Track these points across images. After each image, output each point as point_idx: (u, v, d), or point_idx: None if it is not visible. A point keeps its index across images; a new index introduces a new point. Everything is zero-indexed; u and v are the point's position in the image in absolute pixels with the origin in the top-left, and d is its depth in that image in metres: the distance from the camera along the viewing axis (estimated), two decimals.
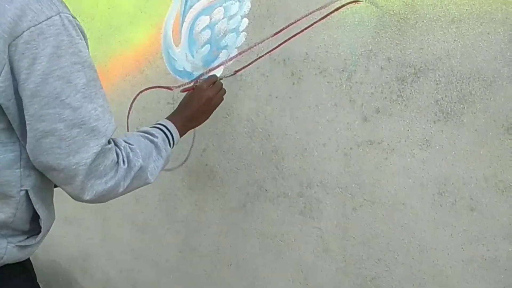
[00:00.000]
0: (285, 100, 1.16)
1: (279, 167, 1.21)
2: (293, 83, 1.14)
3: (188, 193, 1.42)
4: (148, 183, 0.84)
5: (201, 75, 1.32)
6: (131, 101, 1.51)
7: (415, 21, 0.95)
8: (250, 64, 1.21)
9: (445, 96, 0.93)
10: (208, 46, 1.29)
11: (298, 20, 1.11)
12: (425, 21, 0.94)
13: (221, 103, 1.14)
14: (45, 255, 1.93)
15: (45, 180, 0.78)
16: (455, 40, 0.91)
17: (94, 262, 1.78)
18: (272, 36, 1.16)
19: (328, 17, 1.06)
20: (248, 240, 1.30)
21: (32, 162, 0.72)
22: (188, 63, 1.34)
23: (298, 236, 1.20)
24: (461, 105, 0.92)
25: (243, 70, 1.23)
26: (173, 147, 0.94)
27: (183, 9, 1.32)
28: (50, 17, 0.65)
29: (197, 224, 1.42)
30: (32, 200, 0.77)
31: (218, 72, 1.28)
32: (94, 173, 0.72)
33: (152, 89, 1.45)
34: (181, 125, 0.96)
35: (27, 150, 0.71)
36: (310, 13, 1.09)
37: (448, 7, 0.91)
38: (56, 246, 1.89)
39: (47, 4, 0.66)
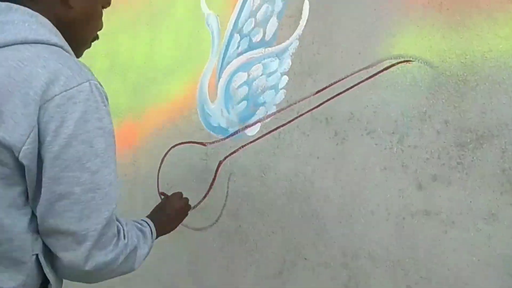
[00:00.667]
0: (328, 161, 1.09)
1: (320, 233, 1.11)
2: (337, 144, 1.07)
3: (219, 256, 1.33)
4: (131, 271, 0.82)
5: (236, 131, 1.26)
6: (163, 155, 1.46)
7: (475, 83, 0.87)
8: (289, 122, 1.15)
9: None
10: (245, 102, 1.24)
11: (343, 79, 1.05)
12: (487, 83, 0.86)
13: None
14: None
15: None
16: None
17: None
18: (313, 94, 1.10)
19: (376, 76, 1.00)
20: None
21: (39, 225, 0.71)
22: (224, 118, 1.29)
23: None
24: None
25: (281, 128, 1.17)
26: (153, 242, 0.92)
27: (220, 65, 1.29)
28: (80, 83, 0.67)
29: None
30: (42, 265, 0.74)
31: (255, 130, 1.22)
32: (99, 242, 0.71)
33: (184, 144, 1.40)
34: (157, 228, 0.94)
35: (37, 212, 0.71)
36: (357, 72, 1.03)
37: None
38: None
39: (78, 71, 0.68)
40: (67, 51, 0.72)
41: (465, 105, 0.89)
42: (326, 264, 1.11)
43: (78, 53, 0.82)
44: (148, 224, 0.90)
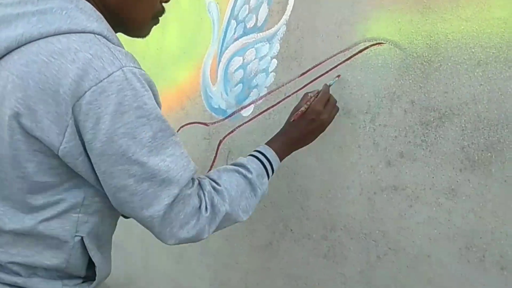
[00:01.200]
0: None
1: (304, 208, 1.19)
2: None
3: None
4: (240, 221, 0.81)
5: (234, 112, 1.35)
6: None
7: (439, 64, 0.90)
8: (278, 103, 1.22)
9: (472, 143, 0.87)
10: (240, 85, 1.33)
11: (323, 62, 1.11)
12: (449, 64, 0.89)
13: None
14: None
15: (104, 228, 0.78)
16: (481, 84, 0.85)
17: (136, 287, 1.85)
18: (299, 77, 1.17)
19: (352, 58, 1.05)
20: (274, 280, 1.28)
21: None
22: (223, 100, 1.39)
23: (322, 280, 1.16)
24: (489, 153, 0.85)
25: (271, 109, 1.24)
26: (271, 176, 0.89)
27: (219, 50, 1.38)
28: (111, 74, 0.62)
29: (226, 258, 1.42)
30: (87, 247, 0.74)
31: (249, 111, 1.31)
32: (174, 222, 0.70)
33: (190, 125, 1.52)
34: (285, 149, 0.91)
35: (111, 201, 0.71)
36: (335, 55, 1.08)
37: (473, 50, 0.86)
38: None
39: (109, 60, 0.63)
40: (106, 37, 0.67)
41: (429, 85, 0.92)
42: (309, 236, 1.19)
43: (141, 33, 0.78)
44: (261, 161, 0.86)
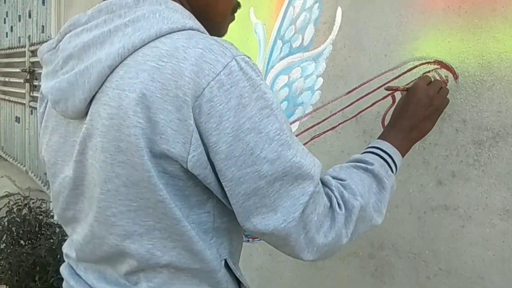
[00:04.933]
0: None
1: None
2: (365, 141, 1.14)
3: (263, 242, 1.46)
4: (376, 225, 0.70)
5: None
6: None
7: (492, 84, 0.90)
8: (323, 120, 1.24)
9: None
10: (286, 103, 1.36)
11: (370, 80, 1.12)
12: (502, 83, 0.88)
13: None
14: None
15: (236, 248, 0.72)
16: None
17: None
18: (345, 95, 1.18)
19: (401, 77, 1.06)
20: None
21: (243, 228, 0.63)
22: None
23: None
24: None
25: (316, 126, 1.26)
26: (396, 171, 0.76)
27: (265, 69, 1.42)
28: (226, 65, 0.57)
29: (270, 274, 1.44)
30: (232, 269, 0.68)
31: (294, 128, 1.33)
32: (309, 225, 0.61)
33: None
34: (401, 141, 0.77)
35: (237, 218, 0.62)
36: (383, 73, 1.09)
37: None
38: None
39: (220, 51, 0.58)
40: (203, 33, 0.63)
41: (482, 104, 0.92)
42: (355, 254, 1.18)
43: (221, 31, 0.75)
44: (379, 155, 0.75)
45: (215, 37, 0.61)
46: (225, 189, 0.61)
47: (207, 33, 0.64)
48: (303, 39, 1.30)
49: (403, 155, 0.78)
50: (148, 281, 0.66)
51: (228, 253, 0.68)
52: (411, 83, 0.88)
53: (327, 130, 1.23)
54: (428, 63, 1.00)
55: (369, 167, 0.72)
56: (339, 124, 1.20)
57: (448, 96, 0.94)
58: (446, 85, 0.95)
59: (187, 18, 0.63)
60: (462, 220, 0.96)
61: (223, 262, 0.67)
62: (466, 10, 0.93)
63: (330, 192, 0.65)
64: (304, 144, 1.29)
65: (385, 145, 0.76)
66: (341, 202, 0.65)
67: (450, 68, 0.96)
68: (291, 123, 1.34)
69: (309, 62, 1.28)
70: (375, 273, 1.14)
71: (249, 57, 0.61)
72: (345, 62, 1.18)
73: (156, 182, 0.59)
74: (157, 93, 0.57)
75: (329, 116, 1.23)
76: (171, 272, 0.65)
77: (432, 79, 0.90)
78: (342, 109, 1.19)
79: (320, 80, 1.25)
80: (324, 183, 0.66)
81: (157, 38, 0.59)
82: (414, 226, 1.04)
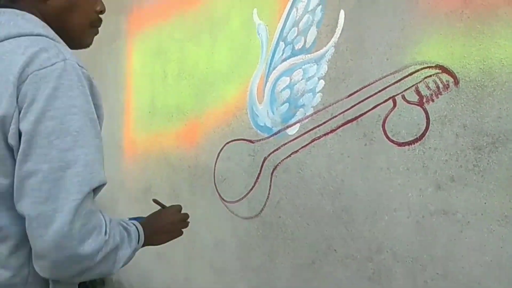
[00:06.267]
0: (357, 160, 1.16)
1: (348, 228, 1.19)
2: (365, 144, 1.14)
3: (262, 243, 1.46)
4: (111, 273, 0.75)
5: (279, 130, 1.38)
6: (218, 151, 1.64)
7: (492, 89, 0.90)
8: (324, 123, 1.24)
9: None
10: (287, 104, 1.36)
11: (372, 83, 1.12)
12: (503, 89, 0.88)
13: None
14: (138, 286, 2.11)
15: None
16: None
17: None
18: (346, 97, 1.19)
19: (402, 81, 1.06)
20: None
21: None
22: (269, 119, 1.42)
23: None
24: None
25: (317, 128, 1.26)
26: (137, 250, 0.83)
27: (267, 70, 1.42)
28: (54, 63, 0.68)
29: (267, 275, 1.44)
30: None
31: (294, 130, 1.33)
32: (75, 230, 0.65)
33: (236, 141, 1.56)
34: (146, 235, 0.86)
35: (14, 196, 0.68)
36: (384, 77, 1.10)
37: None
38: (147, 278, 2.06)
39: (54, 53, 0.69)
40: (53, 39, 0.73)
41: (482, 110, 0.92)
42: (353, 257, 1.18)
43: (82, 42, 0.83)
44: (136, 227, 0.84)
45: (59, 44, 0.72)
46: (16, 166, 0.66)
47: (59, 39, 0.75)
48: (305, 41, 1.30)
49: (143, 245, 0.86)
50: None
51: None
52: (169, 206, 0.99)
53: (328, 133, 1.24)
54: (429, 67, 1.00)
55: (128, 227, 0.81)
56: (339, 127, 1.21)
57: (448, 101, 0.94)
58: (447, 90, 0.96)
59: (40, 27, 0.74)
60: (461, 225, 0.96)
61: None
62: (468, 15, 0.93)
63: (103, 218, 0.71)
64: (304, 146, 1.30)
65: (140, 229, 0.85)
66: (108, 231, 0.71)
67: (451, 73, 0.96)
68: (291, 125, 1.34)
69: (311, 64, 1.28)
70: (372, 276, 1.14)
71: (82, 67, 0.71)
72: (347, 64, 1.18)
73: None
74: None
75: (330, 119, 1.23)
76: None
77: (179, 210, 0.99)
78: (343, 111, 1.19)
79: (322, 82, 1.25)
80: (101, 211, 0.73)
81: (6, 39, 0.71)
82: (412, 230, 1.04)
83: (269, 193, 1.43)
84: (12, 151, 0.68)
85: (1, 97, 0.67)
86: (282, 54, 1.37)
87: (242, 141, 1.53)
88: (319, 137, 1.26)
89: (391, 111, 1.08)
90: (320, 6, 1.25)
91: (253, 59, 1.48)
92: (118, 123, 2.28)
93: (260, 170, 1.46)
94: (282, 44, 1.37)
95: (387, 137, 1.09)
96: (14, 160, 0.68)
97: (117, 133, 2.28)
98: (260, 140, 1.46)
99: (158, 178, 1.99)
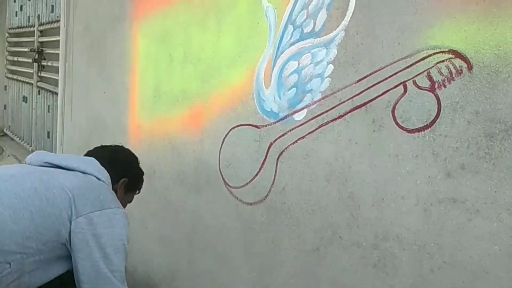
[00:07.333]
0: (365, 147, 1.15)
1: (354, 215, 1.18)
2: (374, 130, 1.12)
3: (266, 229, 1.46)
4: None
5: (286, 116, 1.37)
6: (223, 136, 1.62)
7: (507, 75, 0.87)
8: (332, 108, 1.22)
9: None
10: (294, 89, 1.34)
11: (382, 68, 1.10)
12: None
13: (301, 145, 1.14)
14: (142, 269, 2.12)
15: None
16: None
17: (179, 283, 1.90)
18: (355, 83, 1.16)
19: (414, 66, 1.03)
20: (319, 286, 1.28)
21: None
22: (275, 104, 1.40)
23: None
24: None
25: (325, 114, 1.25)
26: None
27: (275, 54, 1.40)
28: (115, 208, 1.26)
29: (271, 261, 1.43)
30: None
31: (301, 115, 1.31)
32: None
33: (241, 127, 1.54)
34: None
35: None
36: (395, 61, 1.07)
37: None
38: (150, 262, 2.07)
39: (115, 201, 1.33)
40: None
41: (496, 96, 0.89)
42: (358, 244, 1.17)
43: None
44: None
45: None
46: None
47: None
48: (315, 24, 1.27)
49: None
50: None
51: None
52: None
53: (335, 119, 1.22)
54: (442, 52, 0.98)
55: None
56: (347, 113, 1.19)
57: (461, 87, 0.92)
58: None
59: (105, 178, 1.28)
60: (470, 213, 0.94)
61: None
62: None
63: None
64: (311, 132, 1.28)
65: None
66: None
67: (465, 58, 0.94)
68: (298, 111, 1.32)
69: (320, 48, 1.26)
70: (377, 264, 1.13)
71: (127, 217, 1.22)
72: (357, 49, 1.16)
73: None
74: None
75: (338, 104, 1.21)
76: None
77: None
78: (352, 97, 1.17)
79: (331, 67, 1.23)
80: None
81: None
82: (420, 218, 1.03)
83: (274, 179, 1.42)
84: None
85: None
86: (291, 38, 1.34)
87: (248, 126, 1.52)
88: (326, 123, 1.24)
89: (402, 97, 1.06)
90: None
91: (261, 43, 1.45)
92: (123, 107, 2.27)
93: (266, 156, 1.45)
94: (290, 27, 1.35)
95: (397, 124, 1.07)
96: None
97: (121, 117, 2.27)
98: (266, 125, 1.44)
99: (162, 162, 1.98)
